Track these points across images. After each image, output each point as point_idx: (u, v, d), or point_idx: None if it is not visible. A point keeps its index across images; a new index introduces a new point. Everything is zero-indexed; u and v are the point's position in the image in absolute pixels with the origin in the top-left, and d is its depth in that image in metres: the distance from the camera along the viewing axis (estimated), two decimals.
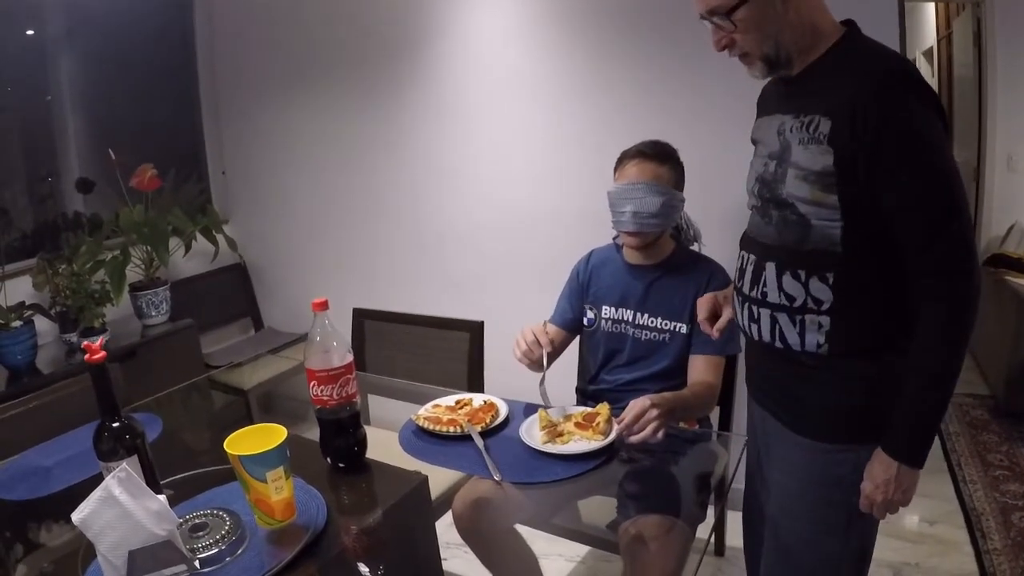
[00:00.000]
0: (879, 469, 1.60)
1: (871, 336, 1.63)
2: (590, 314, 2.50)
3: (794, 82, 1.67)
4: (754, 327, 1.75)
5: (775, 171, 1.67)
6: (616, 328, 2.44)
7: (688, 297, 2.33)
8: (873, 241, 1.57)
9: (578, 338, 2.64)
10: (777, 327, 1.69)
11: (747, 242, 1.81)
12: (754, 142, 1.85)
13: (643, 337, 2.39)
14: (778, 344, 1.70)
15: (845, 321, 1.62)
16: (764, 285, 1.70)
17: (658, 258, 2.42)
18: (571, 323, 2.54)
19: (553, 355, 2.32)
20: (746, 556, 2.19)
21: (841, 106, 1.51)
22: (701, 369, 2.33)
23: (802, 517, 1.78)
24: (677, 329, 2.35)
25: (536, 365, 2.18)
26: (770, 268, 1.68)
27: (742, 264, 1.80)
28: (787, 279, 1.65)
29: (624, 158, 2.41)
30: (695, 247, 2.56)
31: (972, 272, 1.51)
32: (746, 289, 1.76)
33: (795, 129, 1.61)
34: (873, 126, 1.47)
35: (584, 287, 2.53)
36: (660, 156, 2.36)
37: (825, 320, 1.62)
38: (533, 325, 2.23)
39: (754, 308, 1.74)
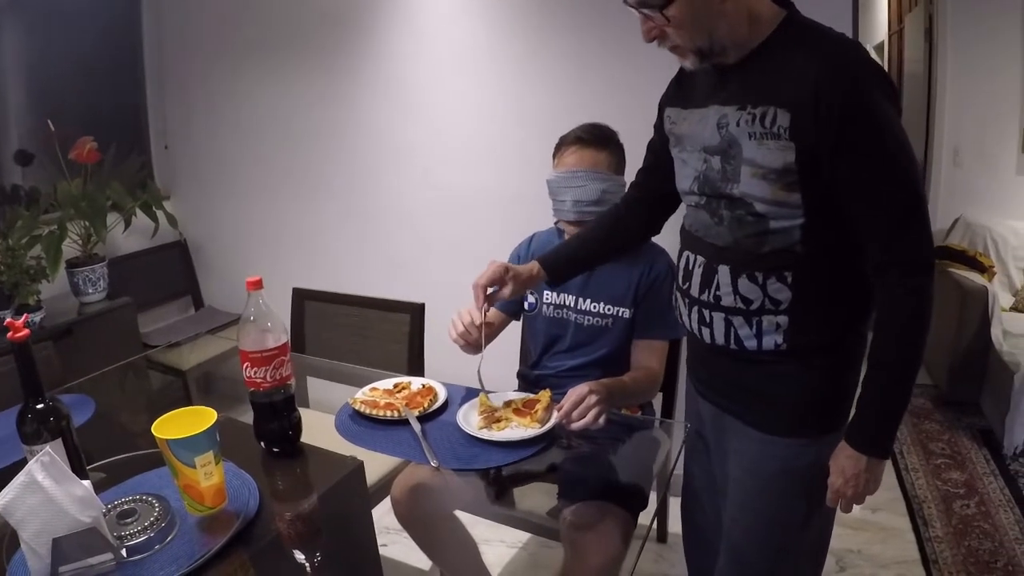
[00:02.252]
0: (848, 464, 1.59)
1: (830, 328, 1.61)
2: (531, 298, 2.46)
3: (732, 71, 1.59)
4: (705, 331, 1.71)
5: (722, 168, 1.60)
6: (558, 313, 2.41)
7: (631, 282, 2.32)
8: (834, 236, 1.54)
9: (520, 322, 2.61)
10: (732, 330, 1.65)
11: (692, 241, 1.76)
12: (673, 136, 1.79)
13: (585, 322, 2.37)
14: (733, 347, 1.67)
15: (804, 318, 1.59)
16: (717, 288, 1.65)
17: None
18: (510, 306, 2.49)
19: (490, 336, 2.30)
20: (685, 547, 2.18)
21: (801, 97, 1.44)
22: (644, 354, 2.32)
23: (763, 513, 1.77)
24: (620, 314, 2.33)
25: (472, 348, 2.16)
26: (724, 271, 1.64)
27: (688, 265, 1.75)
28: (743, 282, 1.61)
29: (562, 144, 2.39)
30: None
31: (933, 267, 1.50)
32: (695, 292, 1.72)
33: (744, 122, 1.53)
34: (837, 118, 1.42)
35: None
36: (599, 141, 2.34)
37: (783, 320, 1.59)
38: (470, 307, 2.11)
39: (705, 312, 1.70)
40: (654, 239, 2.30)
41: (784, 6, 1.56)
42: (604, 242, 2.10)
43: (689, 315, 1.75)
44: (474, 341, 2.03)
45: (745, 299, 1.61)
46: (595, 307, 2.36)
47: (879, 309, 1.54)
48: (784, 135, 1.47)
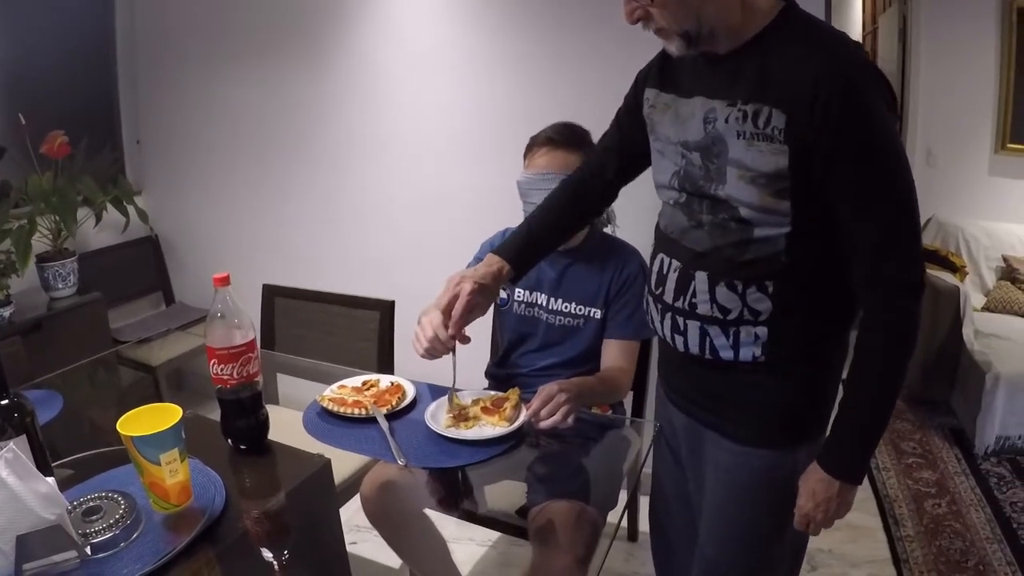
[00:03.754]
0: (820, 487, 1.54)
1: (811, 340, 1.55)
2: (503, 294, 2.43)
3: (723, 61, 1.48)
4: (679, 339, 1.63)
5: (704, 167, 1.51)
6: (529, 312, 2.40)
7: (603, 283, 2.32)
8: (820, 246, 1.47)
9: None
10: (708, 340, 1.58)
11: (667, 244, 1.67)
12: (649, 121, 1.69)
13: (557, 322, 2.36)
14: (708, 356, 1.59)
15: (784, 330, 1.52)
16: (693, 296, 1.57)
17: (571, 244, 2.33)
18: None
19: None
20: (653, 552, 2.17)
21: (799, 97, 1.35)
22: (614, 354, 2.31)
23: (737, 522, 1.73)
24: (591, 314, 2.33)
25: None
26: (701, 278, 1.56)
27: (662, 269, 1.67)
28: (721, 290, 1.53)
29: (533, 145, 2.35)
30: (609, 229, 2.51)
31: (921, 289, 1.43)
32: (668, 298, 1.64)
33: (734, 120, 1.43)
34: (836, 121, 1.33)
35: None
36: (571, 142, 2.29)
37: (762, 331, 1.52)
38: (431, 313, 1.83)
39: (679, 319, 1.62)
40: (626, 239, 2.31)
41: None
42: (559, 220, 1.95)
43: (662, 321, 1.68)
44: (443, 353, 1.87)
45: (723, 308, 1.53)
46: (567, 307, 2.35)
47: (861, 327, 1.47)
48: (779, 137, 1.38)
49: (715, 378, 1.66)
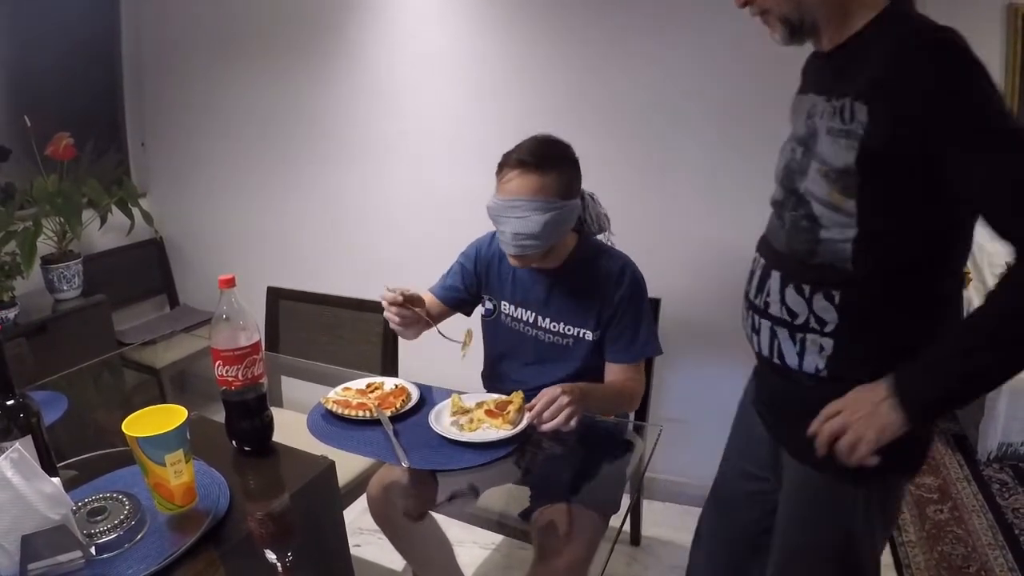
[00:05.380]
0: (866, 391, 1.39)
1: (877, 362, 1.41)
2: (489, 304, 2.39)
3: (828, 58, 1.48)
4: (755, 338, 1.62)
5: (800, 160, 1.51)
6: (516, 326, 2.33)
7: (593, 304, 2.22)
8: (887, 260, 1.40)
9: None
10: (776, 342, 1.55)
11: (761, 244, 1.67)
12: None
13: (546, 340, 2.29)
14: (776, 360, 1.56)
15: (850, 347, 1.45)
16: (767, 295, 1.56)
17: (558, 261, 2.24)
18: (456, 302, 2.43)
19: (436, 318, 2.32)
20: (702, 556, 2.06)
21: (877, 85, 1.32)
22: (620, 375, 2.23)
23: (801, 547, 1.66)
24: (582, 335, 2.24)
25: (417, 328, 2.16)
26: (775, 277, 1.54)
27: (753, 266, 1.65)
28: (790, 293, 1.50)
29: (504, 166, 2.16)
30: (603, 237, 2.40)
31: None
32: (751, 295, 1.63)
33: (826, 114, 1.43)
34: (937, 112, 1.26)
35: (483, 273, 2.39)
36: (544, 163, 2.08)
37: (828, 343, 1.46)
38: (387, 291, 2.13)
39: (756, 318, 1.60)
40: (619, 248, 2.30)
41: None
42: None
43: (746, 320, 1.66)
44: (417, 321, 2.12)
45: (791, 311, 1.50)
46: (555, 326, 2.27)
47: (999, 282, 1.33)
48: (857, 131, 1.34)
49: (783, 388, 1.62)
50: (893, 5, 1.39)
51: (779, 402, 1.68)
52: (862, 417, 1.37)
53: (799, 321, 1.49)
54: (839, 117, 1.39)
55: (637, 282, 2.22)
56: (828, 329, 1.46)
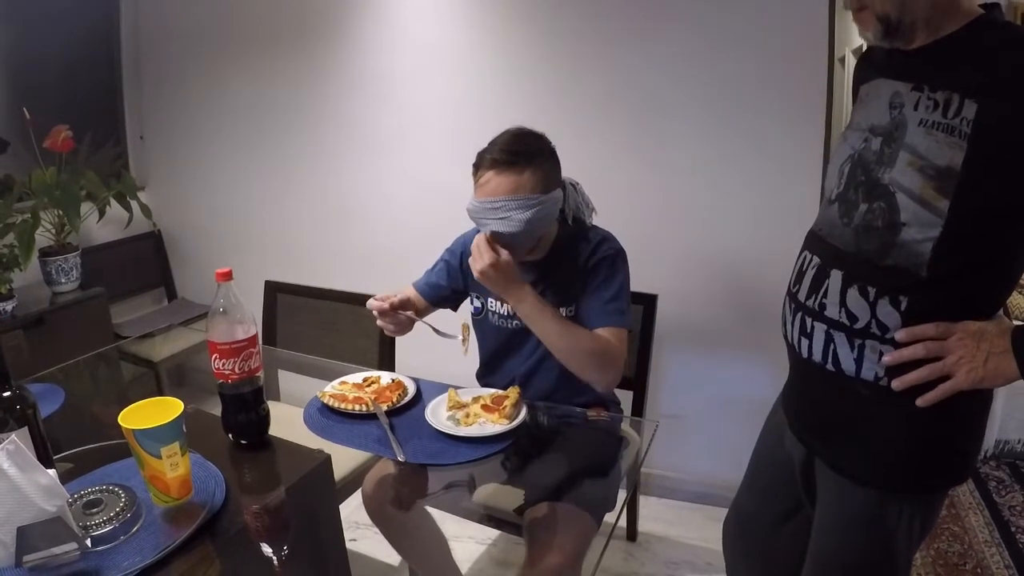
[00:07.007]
0: (991, 328, 1.35)
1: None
2: (476, 303, 2.36)
3: (915, 51, 1.40)
4: (805, 342, 1.53)
5: (880, 150, 1.42)
6: (505, 324, 2.29)
7: (574, 279, 2.17)
8: (962, 265, 1.34)
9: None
10: (832, 347, 1.47)
11: (813, 240, 1.58)
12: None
13: None
14: (830, 367, 1.48)
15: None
16: (824, 295, 1.48)
17: (543, 252, 2.22)
18: (440, 299, 2.41)
19: (421, 313, 2.30)
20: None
21: (998, 86, 1.25)
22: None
23: (837, 561, 1.61)
24: (567, 315, 2.18)
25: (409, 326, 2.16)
26: (836, 276, 1.46)
27: (802, 266, 1.58)
28: (852, 294, 1.43)
29: (479, 167, 2.13)
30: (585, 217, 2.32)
31: None
32: (801, 296, 1.55)
33: (921, 106, 1.35)
34: None
35: (468, 271, 2.26)
36: (519, 161, 2.04)
37: (888, 351, 1.40)
38: (375, 302, 2.13)
39: (808, 320, 1.52)
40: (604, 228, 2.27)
41: (986, 8, 1.37)
42: None
43: (792, 322, 1.58)
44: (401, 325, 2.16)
45: (851, 314, 1.43)
46: None
47: None
48: (963, 128, 1.28)
49: (833, 396, 1.53)
50: (988, 14, 1.36)
51: (823, 411, 1.60)
52: (981, 355, 1.33)
53: (859, 325, 1.43)
54: (940, 111, 1.32)
55: (611, 252, 2.16)
56: (889, 336, 1.40)
